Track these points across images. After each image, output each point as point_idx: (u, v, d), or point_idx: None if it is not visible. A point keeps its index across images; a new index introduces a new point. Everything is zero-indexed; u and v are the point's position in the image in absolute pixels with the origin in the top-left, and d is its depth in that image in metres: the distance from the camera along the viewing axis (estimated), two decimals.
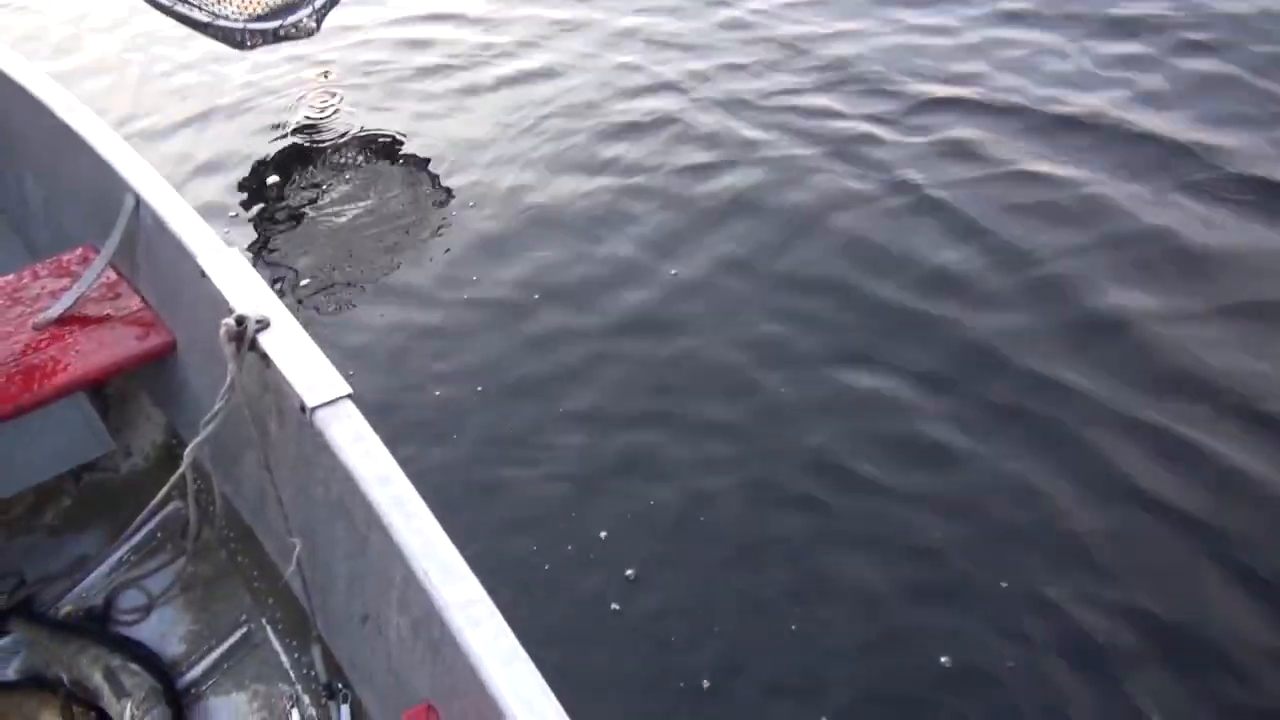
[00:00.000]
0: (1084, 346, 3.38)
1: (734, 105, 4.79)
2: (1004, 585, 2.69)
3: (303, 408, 1.71)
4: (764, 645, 2.59)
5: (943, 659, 2.52)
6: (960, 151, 4.36)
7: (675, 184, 4.29)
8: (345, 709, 1.91)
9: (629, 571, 2.74)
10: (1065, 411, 3.14)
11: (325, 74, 5.23)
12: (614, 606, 2.67)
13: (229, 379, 1.79)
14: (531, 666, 1.36)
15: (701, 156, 4.44)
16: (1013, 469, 2.99)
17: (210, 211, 4.13)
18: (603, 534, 2.85)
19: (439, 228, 4.16)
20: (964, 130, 4.48)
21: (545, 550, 2.82)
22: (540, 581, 2.73)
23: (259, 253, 4.06)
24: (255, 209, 4.34)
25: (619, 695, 2.48)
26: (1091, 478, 2.94)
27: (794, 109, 4.72)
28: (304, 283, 3.86)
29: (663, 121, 4.70)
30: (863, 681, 2.51)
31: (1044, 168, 4.23)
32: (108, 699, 2.01)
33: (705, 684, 2.49)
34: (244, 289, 1.91)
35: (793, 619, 2.64)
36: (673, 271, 3.82)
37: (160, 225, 2.12)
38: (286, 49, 4.98)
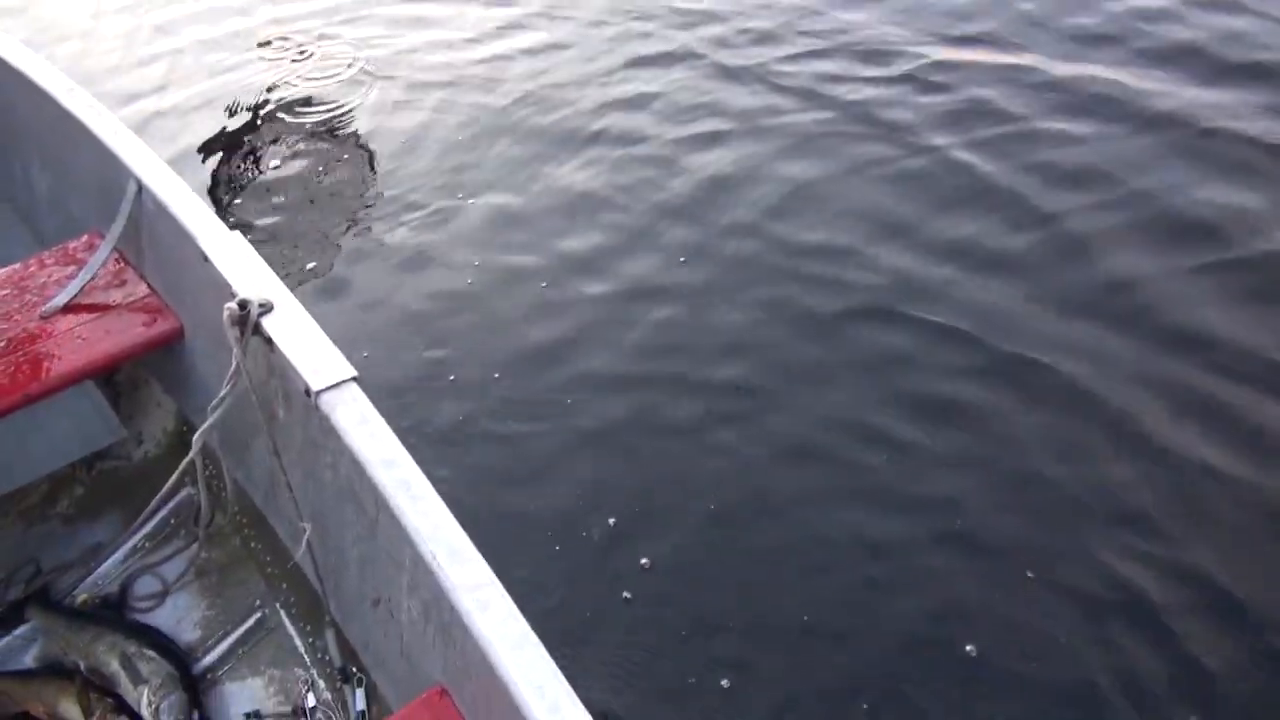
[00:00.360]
0: (1099, 306, 3.35)
1: (745, 71, 4.73)
2: (1040, 553, 2.65)
3: (308, 391, 1.69)
4: (788, 635, 2.54)
5: (968, 648, 2.47)
6: (977, 111, 4.31)
7: (687, 150, 4.25)
8: (360, 692, 1.90)
9: (644, 560, 2.70)
10: (1089, 370, 3.11)
11: (307, 52, 5.18)
12: (626, 595, 2.64)
13: (234, 364, 1.78)
14: (542, 650, 1.34)
15: (714, 123, 4.40)
16: (1036, 425, 2.97)
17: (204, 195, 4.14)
18: (612, 520, 2.82)
19: (440, 201, 4.12)
20: (980, 90, 4.42)
21: (556, 532, 2.79)
22: (551, 566, 2.71)
23: (256, 234, 4.03)
24: (250, 191, 4.31)
25: (632, 683, 2.46)
26: (1124, 436, 2.92)
27: (809, 73, 4.67)
28: (309, 266, 3.83)
29: (673, 87, 4.66)
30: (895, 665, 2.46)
31: (1061, 126, 4.17)
32: (125, 685, 2.02)
33: (725, 682, 2.45)
34: (247, 272, 1.89)
35: (815, 595, 2.61)
36: (687, 238, 3.78)
37: (162, 210, 2.10)
38: (288, 22, 4.96)
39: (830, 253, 3.65)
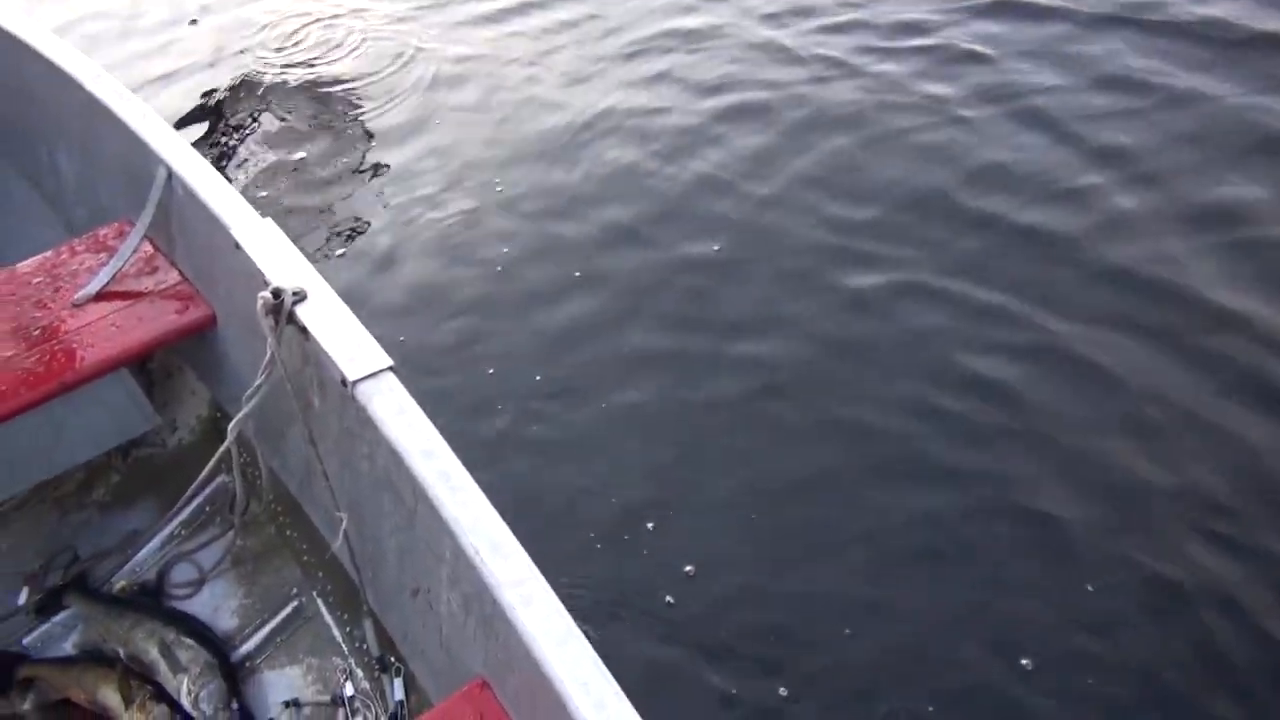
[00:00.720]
0: (1149, 282, 3.28)
1: (782, 41, 4.65)
2: (1099, 531, 2.60)
3: (344, 381, 1.67)
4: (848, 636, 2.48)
5: (1022, 662, 2.40)
6: (1016, 83, 4.22)
7: (726, 122, 4.19)
8: (398, 682, 1.89)
9: (688, 568, 2.64)
10: (1140, 346, 3.06)
11: (335, 27, 5.12)
12: (668, 599, 2.59)
13: (269, 353, 1.76)
14: (587, 646, 1.32)
15: (756, 94, 4.33)
16: (1085, 401, 2.92)
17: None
18: (652, 517, 2.76)
19: (473, 177, 4.07)
20: (1020, 63, 4.33)
21: (594, 525, 2.76)
22: (588, 561, 2.67)
23: (284, 218, 4.01)
24: (274, 170, 4.28)
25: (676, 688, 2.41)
26: (1181, 415, 2.86)
27: (848, 44, 4.59)
28: (338, 251, 3.82)
29: (710, 58, 4.59)
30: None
31: (1134, 67, 4.13)
32: (164, 673, 2.02)
33: (782, 690, 2.39)
34: (279, 260, 1.87)
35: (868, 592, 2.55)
36: (726, 211, 3.73)
37: (192, 197, 2.08)
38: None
39: (872, 227, 3.60)
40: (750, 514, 2.74)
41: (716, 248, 3.58)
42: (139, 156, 2.22)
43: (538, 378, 3.16)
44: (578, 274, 3.53)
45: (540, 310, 3.40)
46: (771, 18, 4.84)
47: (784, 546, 2.66)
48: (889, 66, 4.40)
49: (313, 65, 4.88)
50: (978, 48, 4.44)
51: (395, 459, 1.63)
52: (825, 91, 4.29)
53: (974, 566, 2.59)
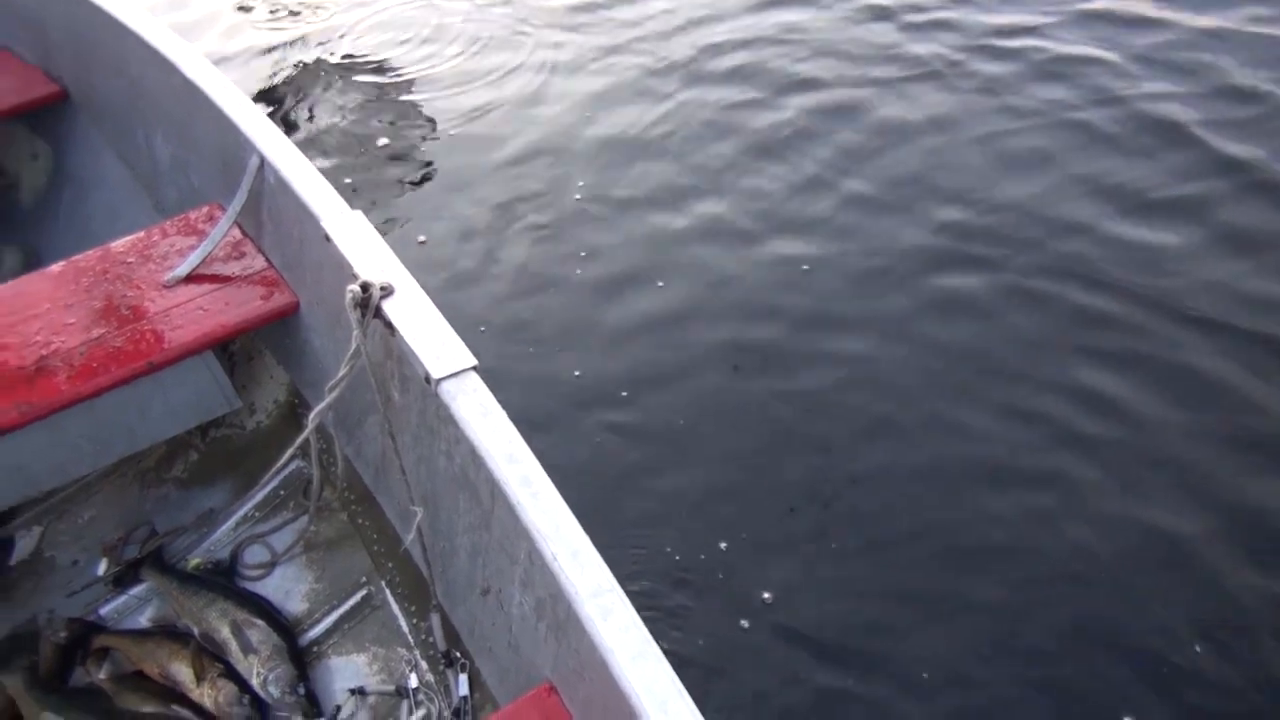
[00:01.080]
0: None
1: (897, 11, 4.58)
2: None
3: (427, 379, 1.68)
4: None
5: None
6: (1155, 63, 4.12)
7: (836, 101, 4.14)
8: (463, 678, 1.90)
9: (765, 595, 2.57)
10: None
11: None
12: (743, 623, 2.51)
13: (354, 345, 1.78)
14: (666, 665, 1.31)
15: (881, 70, 4.29)
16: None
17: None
18: (729, 545, 2.69)
19: (561, 164, 4.04)
20: (1152, 40, 4.24)
21: (668, 537, 2.71)
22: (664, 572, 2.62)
23: (374, 210, 4.04)
24: (346, 156, 4.29)
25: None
26: None
27: (970, 24, 4.51)
28: (420, 238, 3.82)
29: (817, 26, 4.56)
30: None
31: (1247, 76, 4.01)
32: (235, 653, 2.06)
33: None
34: (368, 254, 1.88)
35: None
36: (840, 188, 3.68)
37: (284, 186, 2.11)
38: None
39: (971, 226, 3.52)
40: (834, 529, 2.69)
41: (808, 244, 3.51)
42: (233, 143, 2.26)
43: (617, 376, 3.12)
44: (661, 269, 3.49)
45: (623, 305, 3.36)
46: (869, 11, 4.75)
47: (867, 560, 2.61)
48: (992, 67, 4.30)
49: (380, 52, 4.90)
50: (1084, 50, 4.32)
51: (475, 459, 1.63)
52: (924, 89, 4.21)
53: (1083, 590, 2.50)
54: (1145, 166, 3.69)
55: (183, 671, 2.06)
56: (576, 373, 3.17)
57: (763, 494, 2.78)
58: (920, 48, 4.45)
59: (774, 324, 3.25)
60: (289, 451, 2.01)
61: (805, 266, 3.44)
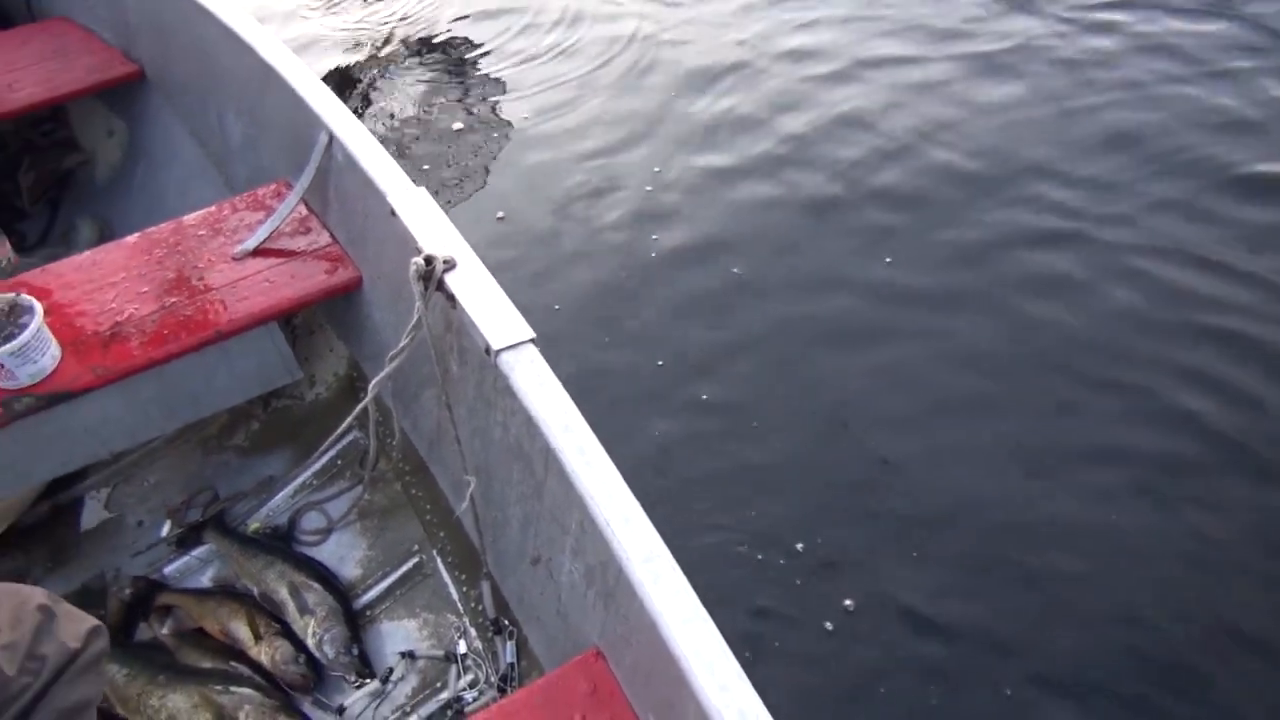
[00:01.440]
0: None
1: None
2: None
3: (487, 349, 1.72)
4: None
5: None
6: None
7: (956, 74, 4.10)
8: (511, 644, 1.95)
9: (848, 602, 2.51)
10: None
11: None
12: (827, 625, 2.45)
13: (415, 317, 1.82)
14: (714, 628, 1.34)
15: (981, 44, 4.24)
16: None
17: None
18: (808, 536, 2.61)
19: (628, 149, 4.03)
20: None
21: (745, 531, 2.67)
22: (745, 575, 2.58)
23: (448, 187, 4.03)
24: (414, 132, 4.32)
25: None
26: None
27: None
28: (499, 213, 3.75)
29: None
30: None
31: None
32: (292, 613, 2.13)
33: None
34: (432, 229, 1.93)
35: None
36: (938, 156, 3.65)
37: (351, 162, 2.17)
38: None
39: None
40: (921, 523, 2.65)
41: (895, 216, 3.47)
42: (302, 120, 2.33)
43: (693, 352, 3.10)
44: (742, 245, 3.45)
45: (700, 281, 3.34)
46: None
47: (955, 545, 2.56)
48: (1091, 40, 4.21)
49: (459, 29, 4.93)
50: (1185, 25, 4.22)
51: (530, 429, 1.67)
52: (1016, 60, 4.15)
53: (1213, 583, 2.44)
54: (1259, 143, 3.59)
55: (241, 630, 2.13)
56: (656, 358, 3.14)
57: (846, 471, 2.75)
58: (1011, 22, 4.38)
59: (856, 298, 3.22)
60: (348, 420, 2.07)
61: (889, 240, 3.41)
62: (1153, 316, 3.05)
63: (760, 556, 2.60)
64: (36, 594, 1.15)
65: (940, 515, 2.65)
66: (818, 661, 2.39)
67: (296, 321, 2.61)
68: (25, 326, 1.96)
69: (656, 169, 3.86)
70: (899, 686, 2.33)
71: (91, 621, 1.19)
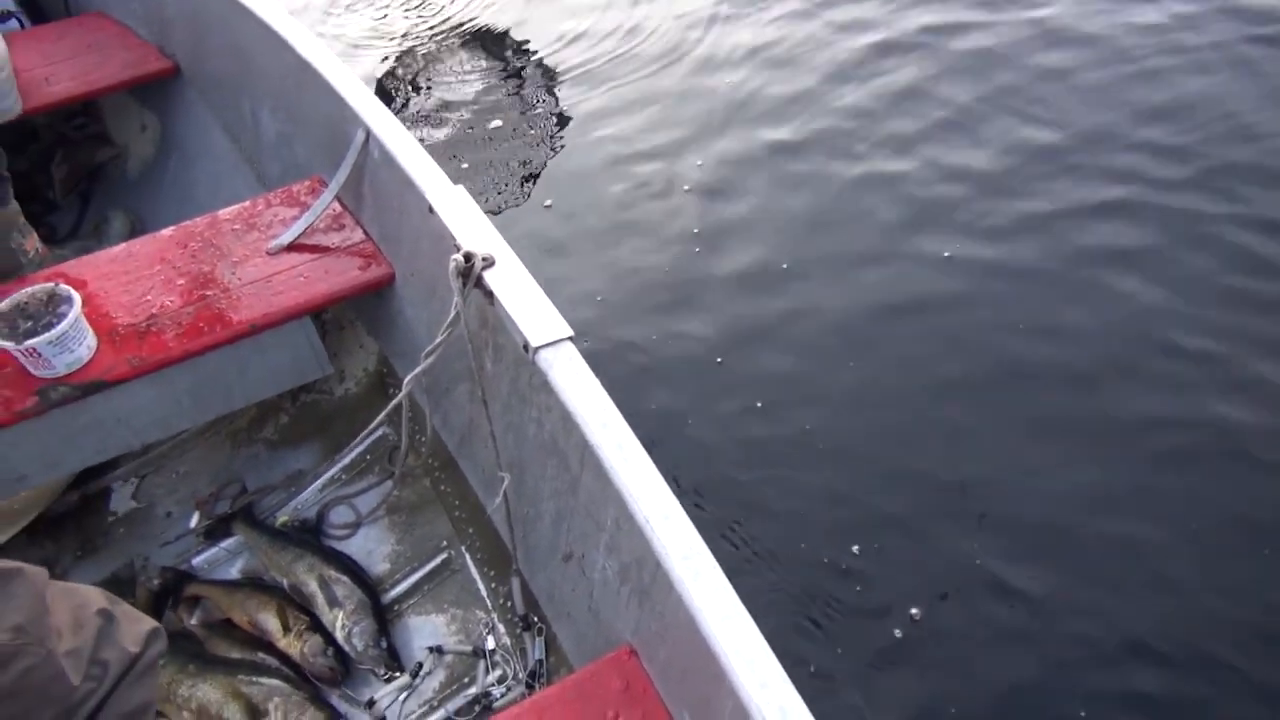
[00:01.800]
0: None
1: None
2: None
3: (525, 346, 1.73)
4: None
5: None
6: None
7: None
8: (540, 641, 1.96)
9: (913, 611, 2.48)
10: None
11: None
12: (896, 633, 2.40)
13: (453, 313, 1.83)
14: (753, 625, 1.34)
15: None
16: None
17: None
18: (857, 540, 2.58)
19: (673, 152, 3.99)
20: None
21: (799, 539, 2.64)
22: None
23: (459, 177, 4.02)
24: (455, 132, 4.31)
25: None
26: None
27: None
28: (547, 202, 3.72)
29: None
30: None
31: None
32: (321, 606, 2.14)
33: None
34: (470, 226, 1.94)
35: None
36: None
37: (389, 160, 2.19)
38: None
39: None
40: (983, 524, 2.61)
41: (962, 188, 3.43)
42: (339, 117, 2.35)
43: (725, 362, 3.06)
44: (800, 231, 3.42)
45: (747, 271, 3.30)
46: None
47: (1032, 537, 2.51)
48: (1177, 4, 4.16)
49: (500, 23, 4.94)
50: None
51: (567, 425, 1.68)
52: (1090, 28, 4.10)
53: None
54: None
55: (270, 621, 2.14)
56: (713, 359, 3.09)
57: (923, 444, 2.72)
58: None
59: (917, 280, 3.19)
60: (381, 415, 2.09)
61: (957, 211, 3.37)
62: (1231, 285, 2.98)
63: (816, 551, 2.59)
64: (95, 596, 1.14)
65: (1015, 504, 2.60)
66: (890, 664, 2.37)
67: (327, 317, 2.63)
68: (64, 316, 1.98)
69: (699, 162, 3.84)
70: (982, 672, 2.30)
71: (150, 623, 1.19)
